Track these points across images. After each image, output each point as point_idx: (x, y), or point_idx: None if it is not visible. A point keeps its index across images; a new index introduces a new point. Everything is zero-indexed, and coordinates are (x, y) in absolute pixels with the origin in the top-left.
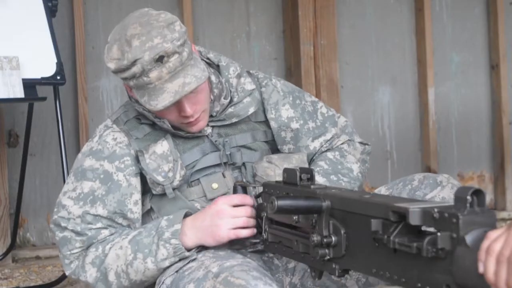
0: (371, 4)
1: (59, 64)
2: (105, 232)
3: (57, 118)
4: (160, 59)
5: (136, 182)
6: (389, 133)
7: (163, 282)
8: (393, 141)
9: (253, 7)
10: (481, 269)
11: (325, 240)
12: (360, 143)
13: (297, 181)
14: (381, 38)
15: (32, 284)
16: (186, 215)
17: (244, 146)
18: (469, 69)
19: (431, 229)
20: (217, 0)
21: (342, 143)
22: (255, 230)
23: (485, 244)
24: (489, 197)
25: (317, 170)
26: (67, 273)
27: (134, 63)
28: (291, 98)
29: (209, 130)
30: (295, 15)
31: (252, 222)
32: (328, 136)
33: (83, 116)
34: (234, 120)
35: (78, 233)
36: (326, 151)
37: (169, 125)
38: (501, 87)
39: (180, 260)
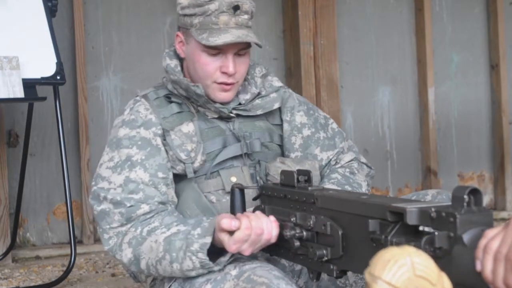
0: (371, 4)
1: (59, 64)
2: (145, 208)
3: (57, 118)
4: (235, 8)
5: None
6: (389, 133)
7: (175, 280)
8: (393, 141)
9: None
10: (478, 267)
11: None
12: (365, 164)
13: (294, 183)
14: (381, 38)
15: (32, 284)
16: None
17: (261, 143)
18: (469, 69)
19: (429, 229)
20: None
21: (350, 160)
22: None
23: (482, 242)
24: (489, 197)
25: (331, 182)
26: (105, 249)
27: (212, 0)
28: (305, 107)
29: (234, 118)
30: (295, 15)
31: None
32: (336, 151)
33: (83, 116)
34: (259, 112)
35: (117, 204)
36: (335, 165)
37: (203, 91)
38: (501, 87)
39: (209, 272)
